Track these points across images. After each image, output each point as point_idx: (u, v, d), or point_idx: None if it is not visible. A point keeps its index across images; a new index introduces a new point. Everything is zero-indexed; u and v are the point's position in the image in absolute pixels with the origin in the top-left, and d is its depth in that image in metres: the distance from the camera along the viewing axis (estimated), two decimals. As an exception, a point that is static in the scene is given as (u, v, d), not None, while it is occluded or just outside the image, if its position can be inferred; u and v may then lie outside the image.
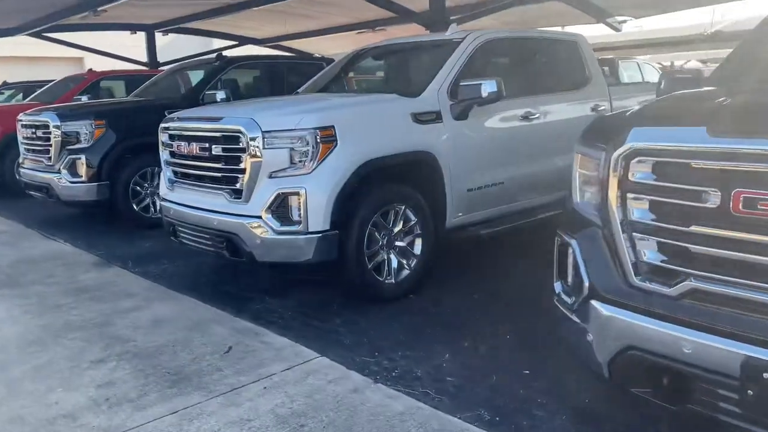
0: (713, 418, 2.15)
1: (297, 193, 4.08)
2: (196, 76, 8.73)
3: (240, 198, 4.28)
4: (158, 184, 6.88)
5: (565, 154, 5.50)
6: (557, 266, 2.75)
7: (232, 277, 5.32)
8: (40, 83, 12.74)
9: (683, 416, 2.48)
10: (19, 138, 7.90)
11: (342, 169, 4.15)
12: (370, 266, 4.37)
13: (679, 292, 2.14)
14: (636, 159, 2.25)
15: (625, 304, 2.29)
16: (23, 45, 17.81)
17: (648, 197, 2.24)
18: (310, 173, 4.11)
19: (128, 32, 15.67)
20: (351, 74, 6.67)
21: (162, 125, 5.06)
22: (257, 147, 4.15)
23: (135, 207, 7.10)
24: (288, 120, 4.21)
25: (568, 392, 3.16)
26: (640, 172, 2.25)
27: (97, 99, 9.88)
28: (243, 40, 17.07)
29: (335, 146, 4.16)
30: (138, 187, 7.12)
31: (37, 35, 14.79)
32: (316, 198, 4.08)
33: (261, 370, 3.47)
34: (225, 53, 8.68)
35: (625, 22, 14.73)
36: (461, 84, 4.73)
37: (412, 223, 4.58)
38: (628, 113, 2.58)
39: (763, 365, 1.90)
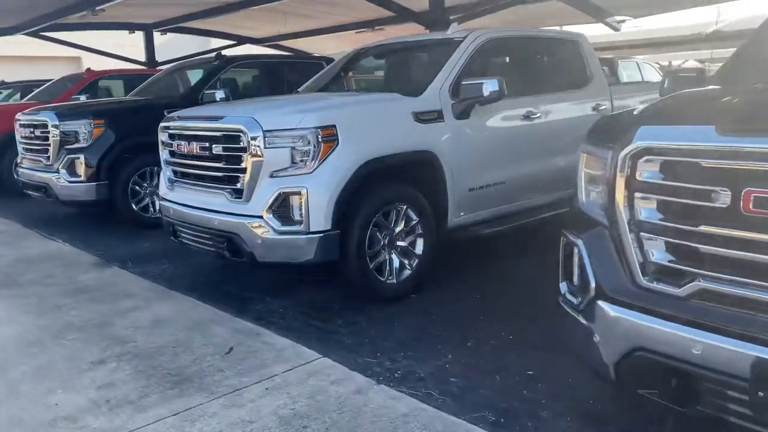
0: (721, 420, 2.12)
1: (298, 193, 4.06)
2: (195, 76, 8.70)
3: (241, 198, 4.25)
4: (157, 183, 6.87)
5: (566, 153, 5.55)
6: (562, 266, 2.72)
7: (232, 277, 5.29)
8: (38, 83, 12.69)
9: (689, 417, 2.46)
10: (17, 137, 7.86)
11: (343, 169, 4.12)
12: (371, 266, 4.34)
13: (688, 292, 2.12)
14: (644, 158, 2.22)
15: (632, 305, 2.26)
16: (21, 44, 17.79)
17: (656, 197, 2.21)
18: (311, 173, 4.08)
19: (126, 32, 15.63)
20: (351, 73, 6.64)
21: (162, 124, 5.03)
22: (258, 146, 4.12)
23: (134, 207, 7.07)
24: (289, 119, 4.18)
25: (573, 393, 3.14)
26: (647, 171, 2.22)
27: (95, 98, 9.85)
28: (241, 40, 17.05)
29: (337, 145, 4.13)
30: (137, 187, 7.08)
31: (35, 34, 14.75)
32: (318, 198, 4.05)
33: (262, 371, 3.44)
34: (223, 53, 8.65)
35: (624, 21, 14.74)
36: (463, 83, 4.71)
37: (414, 222, 4.55)
38: (635, 112, 2.55)
39: (774, 367, 1.88)
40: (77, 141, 6.95)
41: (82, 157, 6.86)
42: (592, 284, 2.41)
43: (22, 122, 7.67)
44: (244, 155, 4.20)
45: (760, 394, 1.90)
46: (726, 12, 18.45)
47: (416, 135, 4.55)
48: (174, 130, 4.86)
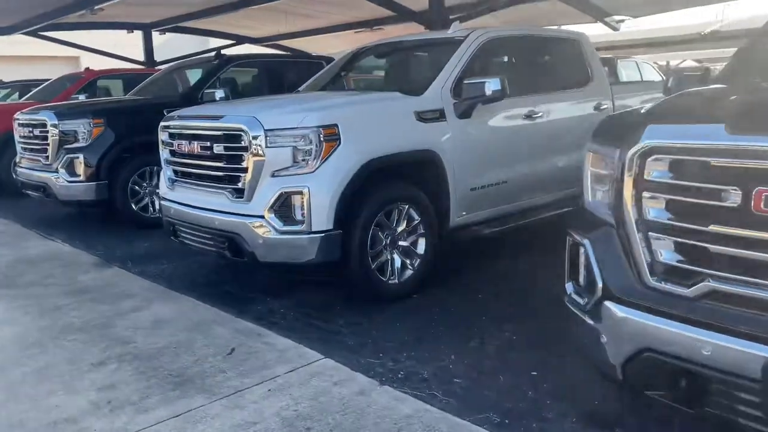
0: (729, 422, 2.11)
1: (300, 193, 4.03)
2: (194, 75, 8.67)
3: (242, 197, 4.22)
4: (157, 183, 6.85)
5: (568, 153, 5.54)
6: (568, 266, 2.70)
7: (233, 277, 5.26)
8: (36, 82, 12.66)
9: (695, 419, 2.44)
10: (16, 137, 7.82)
11: (345, 168, 4.10)
12: (373, 266, 4.32)
13: (697, 293, 2.10)
14: (652, 157, 2.20)
15: (640, 305, 2.24)
16: (18, 44, 17.74)
17: (664, 196, 2.19)
18: (313, 172, 4.06)
19: (125, 31, 15.59)
20: (352, 73, 6.62)
21: (162, 124, 5.00)
22: (259, 146, 4.10)
23: (134, 207, 7.04)
24: (291, 118, 4.16)
25: (577, 394, 3.11)
26: (656, 170, 2.20)
27: (94, 98, 9.82)
28: (240, 39, 17.02)
29: (338, 145, 4.11)
30: (137, 187, 7.05)
31: (34, 34, 14.71)
32: (320, 197, 4.03)
33: (264, 372, 3.42)
34: (223, 52, 8.62)
35: (623, 21, 14.73)
36: (465, 82, 4.69)
37: (416, 222, 4.53)
38: (642, 110, 2.53)
39: (786, 368, 1.86)
40: (76, 140, 6.92)
41: (81, 156, 6.83)
42: (599, 284, 2.39)
43: (21, 121, 7.63)
44: (246, 154, 4.18)
45: (772, 395, 1.89)
46: (724, 12, 18.43)
47: (418, 134, 4.53)
48: (174, 129, 4.83)
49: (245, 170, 4.19)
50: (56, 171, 6.95)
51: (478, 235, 4.97)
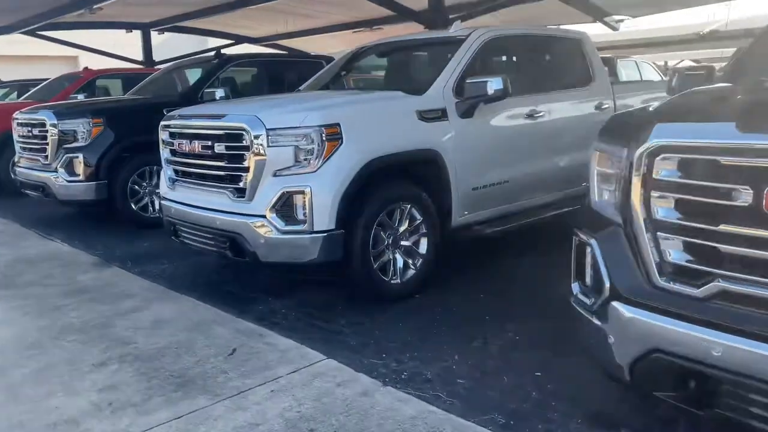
0: (737, 423, 2.09)
1: (302, 192, 4.01)
2: (194, 75, 8.64)
3: (243, 197, 4.20)
4: (157, 183, 6.83)
5: (569, 152, 5.52)
6: (575, 266, 2.68)
7: (233, 277, 5.23)
8: (35, 82, 12.61)
9: (701, 419, 2.42)
10: (15, 136, 7.79)
11: (347, 168, 4.07)
12: (375, 266, 4.29)
13: (706, 293, 2.07)
14: (661, 156, 2.18)
15: (648, 306, 2.22)
16: (16, 44, 17.69)
17: (673, 195, 2.17)
18: (315, 171, 4.03)
19: (123, 31, 15.55)
20: (353, 72, 6.60)
21: (163, 123, 4.97)
22: (261, 145, 4.07)
23: (133, 206, 7.00)
24: (293, 117, 4.13)
25: (582, 394, 3.09)
26: (665, 169, 2.18)
27: (93, 97, 9.78)
28: (239, 39, 16.98)
29: (340, 144, 4.08)
30: (136, 186, 7.02)
31: (32, 33, 14.66)
32: (322, 197, 4.00)
33: (267, 373, 3.39)
34: (222, 52, 8.59)
35: (622, 21, 14.72)
36: (467, 81, 4.67)
37: (418, 222, 4.51)
38: (649, 109, 2.51)
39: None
40: (76, 140, 6.89)
41: (80, 156, 6.79)
42: (607, 284, 2.37)
43: (20, 121, 7.60)
44: (247, 154, 4.15)
45: (783, 396, 1.87)
46: (726, 12, 18.44)
47: (420, 134, 4.50)
48: (175, 128, 4.80)
49: (247, 170, 4.16)
50: (55, 171, 6.91)
51: (480, 235, 4.95)
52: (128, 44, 16.32)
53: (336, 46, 15.78)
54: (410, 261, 4.50)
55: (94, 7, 11.53)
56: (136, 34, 15.75)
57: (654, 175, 2.21)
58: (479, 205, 4.89)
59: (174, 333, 4.01)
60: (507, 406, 3.00)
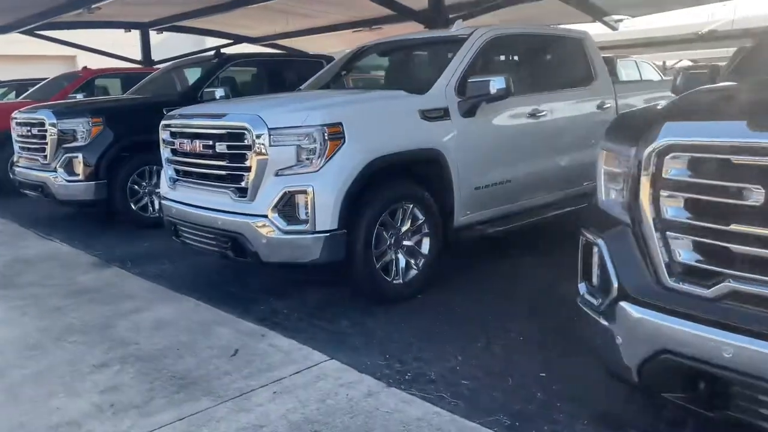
0: (752, 425, 2.07)
1: (304, 192, 3.98)
2: (193, 74, 8.61)
3: (245, 197, 4.17)
4: (156, 183, 6.80)
5: (572, 151, 5.51)
6: (582, 266, 2.66)
7: (234, 277, 5.20)
8: (33, 81, 12.57)
9: (709, 420, 2.39)
10: (14, 136, 7.74)
11: (350, 167, 4.05)
12: (378, 266, 4.27)
13: (717, 293, 2.05)
14: (670, 155, 2.16)
15: (657, 306, 2.20)
16: (14, 43, 17.62)
17: (683, 194, 2.15)
18: (317, 171, 4.01)
19: (122, 31, 15.50)
20: (354, 71, 6.57)
21: (163, 122, 4.94)
22: (263, 144, 4.04)
23: (133, 206, 6.97)
24: (295, 117, 4.10)
25: (587, 395, 3.07)
26: (674, 168, 2.16)
27: (92, 97, 9.74)
28: (237, 39, 16.92)
29: (343, 143, 4.06)
30: (136, 186, 6.99)
31: (30, 33, 14.60)
32: (324, 196, 3.98)
33: (270, 374, 3.36)
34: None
35: (621, 21, 14.70)
36: (470, 81, 4.64)
37: (420, 222, 4.49)
38: (658, 108, 2.49)
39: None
40: (75, 139, 6.85)
41: (80, 155, 6.76)
42: (615, 285, 2.35)
43: (19, 120, 7.56)
44: (249, 153, 4.12)
45: (796, 398, 1.85)
46: (721, 12, 18.43)
47: (422, 133, 4.48)
48: (176, 128, 4.77)
49: (248, 169, 4.13)
50: (55, 170, 6.88)
51: (482, 235, 4.93)
52: (126, 44, 16.27)
53: (335, 45, 15.75)
54: (412, 261, 4.48)
55: (93, 6, 11.47)
56: (134, 34, 15.69)
57: (663, 174, 2.19)
58: (481, 204, 4.87)
59: (175, 334, 3.98)
60: (512, 407, 2.98)
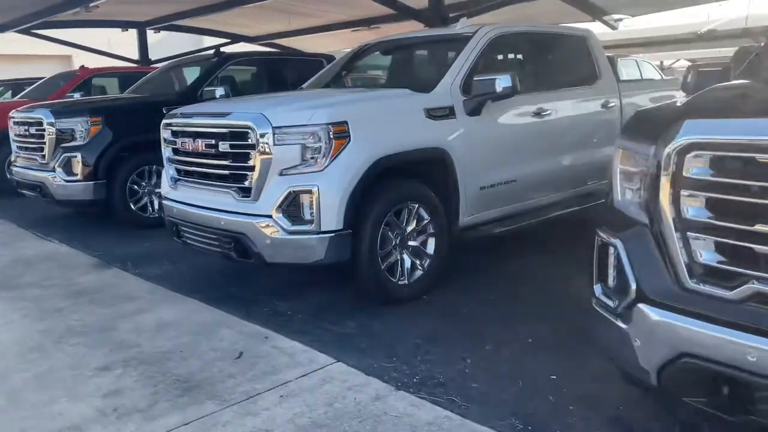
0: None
1: (309, 191, 3.92)
2: (193, 73, 8.54)
3: (249, 197, 4.11)
4: (156, 183, 6.74)
5: (577, 150, 5.46)
6: (597, 268, 2.60)
7: (236, 278, 5.14)
8: (29, 81, 12.48)
9: (725, 424, 2.35)
10: (11, 135, 7.66)
11: (355, 167, 3.99)
12: (383, 267, 4.21)
13: (740, 295, 2.00)
14: (692, 153, 2.10)
15: (678, 308, 2.14)
16: (10, 43, 17.53)
17: (705, 194, 2.09)
18: (322, 170, 3.95)
19: (119, 30, 15.41)
20: (357, 70, 6.51)
21: (164, 121, 4.87)
22: (267, 143, 3.98)
23: (132, 206, 6.91)
24: (300, 115, 4.04)
25: (600, 398, 3.02)
26: (696, 167, 2.10)
27: (89, 96, 9.67)
28: (235, 38, 16.85)
29: (348, 142, 4.00)
30: (135, 186, 6.92)
31: (27, 32, 14.50)
32: (329, 196, 3.92)
33: (275, 377, 3.31)
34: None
35: (621, 20, 14.67)
36: (475, 79, 4.59)
37: (425, 222, 4.43)
38: (676, 105, 2.44)
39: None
40: (74, 139, 6.78)
41: (78, 155, 6.68)
42: (632, 286, 2.29)
43: (17, 120, 7.47)
44: (253, 152, 4.06)
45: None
46: (719, 12, 18.43)
47: (428, 132, 4.43)
48: (177, 126, 4.70)
49: (252, 169, 4.07)
50: (53, 170, 6.80)
51: (487, 235, 4.88)
52: (123, 43, 16.17)
53: (334, 45, 15.69)
54: (418, 261, 4.42)
55: (90, 5, 11.38)
56: (131, 33, 15.60)
57: (684, 173, 2.13)
58: (487, 204, 4.82)
59: (178, 336, 3.92)
60: (524, 411, 2.93)
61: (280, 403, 3.03)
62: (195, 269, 5.42)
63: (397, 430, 2.77)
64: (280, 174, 4.00)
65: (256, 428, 2.83)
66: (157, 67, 10.23)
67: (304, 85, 5.96)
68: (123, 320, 4.21)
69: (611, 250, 2.45)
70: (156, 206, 6.90)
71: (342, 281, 4.60)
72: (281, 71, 8.61)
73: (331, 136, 3.94)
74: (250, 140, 4.07)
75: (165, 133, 4.85)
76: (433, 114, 4.46)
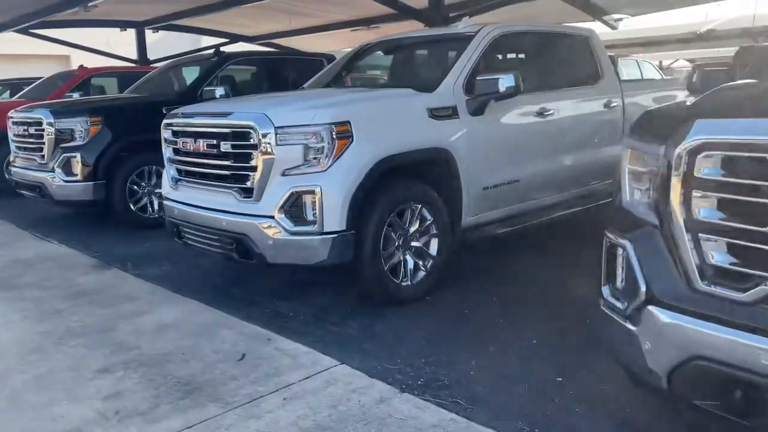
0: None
1: (312, 192, 3.89)
2: (192, 73, 8.50)
3: (251, 197, 4.08)
4: (155, 183, 6.70)
5: (580, 150, 5.44)
6: (605, 269, 2.57)
7: (237, 279, 5.11)
8: (28, 80, 12.43)
9: (735, 426, 2.31)
10: (10, 135, 7.62)
11: (358, 167, 3.96)
12: (386, 268, 4.18)
13: (753, 297, 1.97)
14: (703, 153, 2.08)
15: (689, 311, 2.11)
16: (8, 43, 17.47)
17: (716, 195, 2.06)
18: (325, 171, 3.92)
19: (117, 30, 15.36)
20: (358, 69, 6.47)
21: (165, 121, 4.84)
22: (269, 143, 3.95)
23: (132, 207, 6.86)
24: (302, 115, 4.01)
25: (607, 400, 2.99)
26: (707, 167, 2.07)
27: (88, 96, 9.63)
28: (234, 38, 16.81)
29: (351, 142, 3.97)
30: (135, 187, 6.87)
31: (25, 32, 14.45)
32: (332, 196, 3.89)
33: (278, 379, 3.27)
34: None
35: (621, 20, 14.65)
36: (478, 78, 4.56)
37: (428, 222, 4.40)
38: (687, 104, 2.41)
39: None
40: (73, 139, 6.73)
41: (78, 155, 6.64)
42: (642, 288, 2.26)
43: (15, 120, 7.43)
44: (255, 153, 4.03)
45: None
46: (717, 12, 18.41)
47: (431, 132, 4.40)
48: (178, 126, 4.67)
49: (254, 169, 4.04)
50: (52, 170, 6.76)
51: (491, 235, 4.85)
52: (121, 43, 16.12)
53: (333, 45, 15.65)
54: (421, 262, 4.39)
55: (89, 5, 11.32)
56: (129, 33, 15.54)
57: (695, 174, 2.10)
58: (490, 204, 4.79)
59: (179, 337, 3.89)
60: (530, 413, 2.90)
61: (283, 406, 3.00)
62: (195, 270, 5.39)
63: (401, 433, 2.74)
64: (283, 174, 3.96)
65: (259, 431, 2.80)
66: (157, 67, 10.19)
67: (305, 85, 5.93)
68: (123, 321, 4.17)
69: (620, 251, 2.43)
70: (156, 206, 6.86)
71: (344, 282, 4.57)
72: (281, 71, 8.58)
73: (334, 136, 3.91)
74: (252, 140, 4.03)
75: (166, 133, 4.82)
76: (436, 114, 4.43)
